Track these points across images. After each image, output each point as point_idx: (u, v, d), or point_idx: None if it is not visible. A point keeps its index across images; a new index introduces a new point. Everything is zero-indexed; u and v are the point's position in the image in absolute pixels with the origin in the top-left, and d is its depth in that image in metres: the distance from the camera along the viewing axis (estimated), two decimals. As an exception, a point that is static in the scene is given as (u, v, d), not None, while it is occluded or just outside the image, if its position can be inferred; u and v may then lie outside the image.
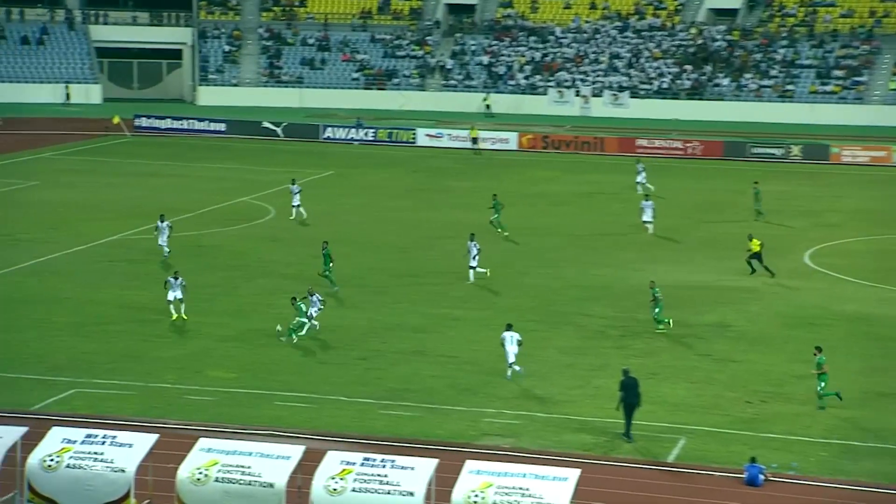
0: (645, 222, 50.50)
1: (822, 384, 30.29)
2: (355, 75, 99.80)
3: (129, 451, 22.02)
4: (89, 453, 21.91)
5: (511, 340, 32.22)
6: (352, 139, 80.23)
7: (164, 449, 23.27)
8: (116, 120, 78.68)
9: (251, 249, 46.46)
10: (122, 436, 22.51)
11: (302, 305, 35.02)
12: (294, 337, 34.66)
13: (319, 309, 35.52)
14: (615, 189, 62.02)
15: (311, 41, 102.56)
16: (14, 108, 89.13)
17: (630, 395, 28.28)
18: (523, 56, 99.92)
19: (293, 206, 51.87)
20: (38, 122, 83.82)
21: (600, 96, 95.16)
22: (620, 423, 28.27)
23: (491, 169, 70.26)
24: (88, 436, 22.37)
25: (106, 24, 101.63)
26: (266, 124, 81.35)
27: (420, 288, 41.70)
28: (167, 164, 68.23)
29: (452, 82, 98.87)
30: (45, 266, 42.82)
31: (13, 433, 22.76)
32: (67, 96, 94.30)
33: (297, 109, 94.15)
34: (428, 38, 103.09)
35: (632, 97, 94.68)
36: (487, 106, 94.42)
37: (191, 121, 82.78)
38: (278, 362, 33.03)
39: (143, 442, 22.37)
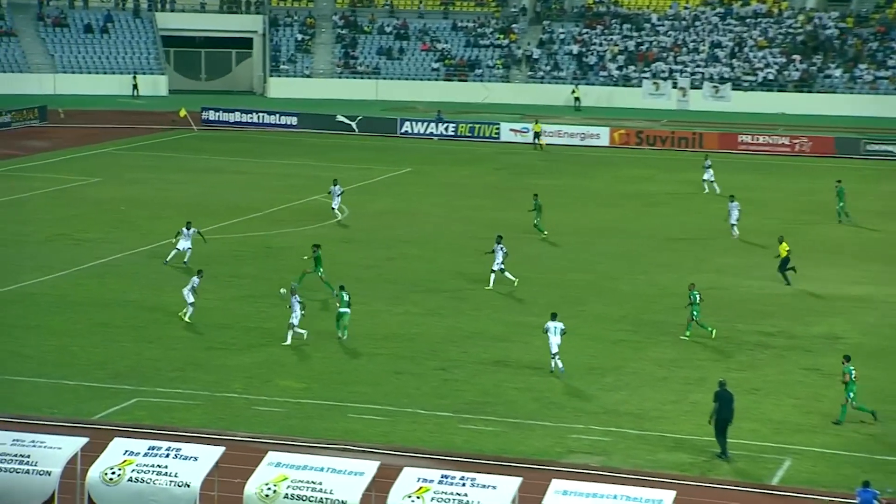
0: (732, 225, 50.05)
1: (850, 395, 29.84)
2: (435, 66, 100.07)
3: (193, 464, 22.25)
4: (152, 466, 22.17)
5: (555, 331, 32.94)
6: (431, 134, 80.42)
7: (231, 462, 23.49)
8: (183, 113, 79.71)
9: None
10: (187, 448, 22.75)
11: (344, 295, 35.70)
12: (344, 333, 35.49)
13: (302, 314, 35.25)
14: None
15: (388, 29, 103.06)
16: (76, 100, 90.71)
17: (724, 410, 27.96)
18: (616, 45, 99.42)
19: (333, 208, 51.66)
20: (101, 114, 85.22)
21: (699, 88, 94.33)
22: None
23: (579, 166, 70.01)
24: (151, 448, 22.65)
25: (173, 11, 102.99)
26: (340, 118, 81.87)
27: (502, 294, 41.65)
28: (235, 159, 68.96)
29: (539, 73, 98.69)
30: (106, 267, 43.49)
31: (73, 444, 23.12)
32: (135, 88, 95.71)
33: (372, 102, 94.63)
34: (513, 25, 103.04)
35: (734, 89, 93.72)
36: (576, 99, 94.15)
37: (260, 114, 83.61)
38: (351, 372, 33.20)
39: (209, 455, 22.58)
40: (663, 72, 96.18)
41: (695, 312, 36.65)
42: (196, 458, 22.39)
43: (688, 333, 36.68)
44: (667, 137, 78.05)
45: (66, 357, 33.47)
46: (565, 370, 33.01)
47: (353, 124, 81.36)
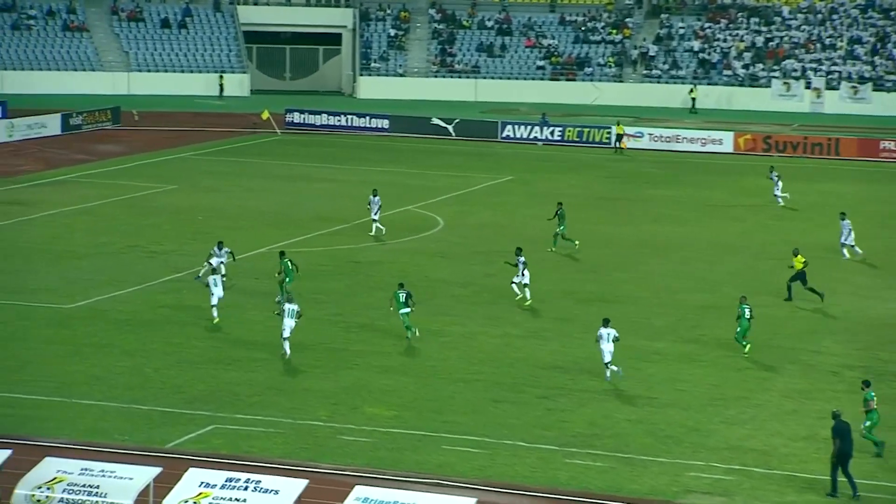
0: (843, 245, 49.42)
1: (868, 423, 29.80)
2: (541, 64, 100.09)
3: (274, 497, 22.44)
4: (230, 500, 22.40)
5: (608, 338, 34.32)
6: (535, 139, 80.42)
7: (315, 497, 23.66)
8: (265, 115, 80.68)
9: (416, 266, 46.96)
10: (267, 480, 22.95)
11: (400, 295, 37.54)
12: (412, 332, 37.41)
13: (296, 321, 35.66)
14: (853, 201, 60.55)
15: (489, 24, 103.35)
16: (151, 101, 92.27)
17: (846, 444, 27.66)
18: (742, 41, 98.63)
19: (372, 221, 51.64)
20: (178, 116, 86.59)
21: (836, 89, 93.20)
22: (858, 483, 27.57)
23: (699, 175, 69.53)
24: (229, 479, 22.89)
25: (256, 4, 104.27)
26: (435, 121, 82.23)
27: (613, 315, 41.41)
28: (321, 166, 69.58)
29: (655, 72, 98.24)
30: (183, 282, 44.12)
31: (145, 474, 23.45)
32: (221, 88, 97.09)
33: (471, 104, 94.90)
34: (627, 19, 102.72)
35: (875, 90, 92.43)
36: (693, 100, 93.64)
37: (349, 116, 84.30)
38: (446, 399, 33.29)
39: (291, 488, 22.76)
40: (795, 70, 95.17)
41: (739, 328, 37.36)
42: (277, 492, 22.58)
43: (747, 349, 37.18)
44: (798, 143, 77.20)
45: (138, 379, 33.99)
46: (621, 370, 34.33)
47: (450, 128, 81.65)
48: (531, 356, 36.99)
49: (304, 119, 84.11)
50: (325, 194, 60.84)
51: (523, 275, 42.21)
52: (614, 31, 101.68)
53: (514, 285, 42.40)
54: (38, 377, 33.75)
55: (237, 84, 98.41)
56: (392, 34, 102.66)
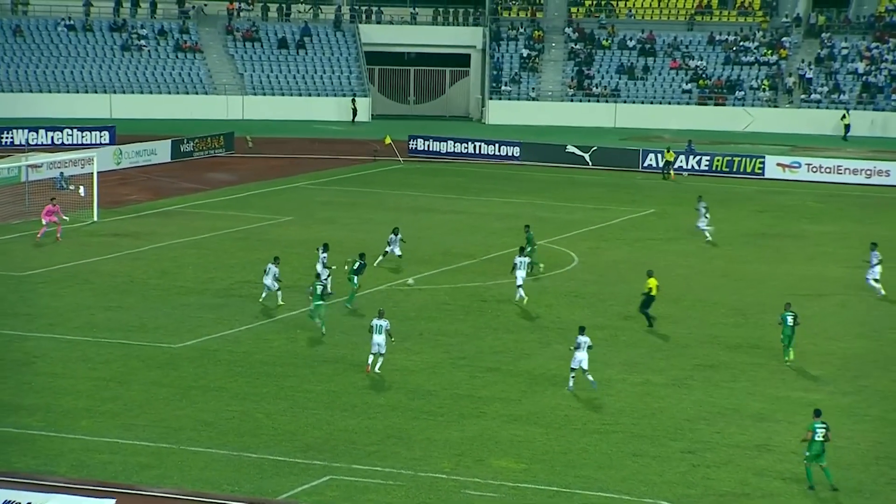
0: (868, 279, 49.34)
1: (807, 452, 31.16)
2: (687, 87, 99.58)
3: (392, 555, 22.49)
4: (344, 556, 22.50)
5: (583, 347, 36.99)
6: (680, 168, 79.92)
7: (436, 556, 23.65)
8: (388, 141, 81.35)
9: (548, 307, 46.89)
10: (385, 536, 22.99)
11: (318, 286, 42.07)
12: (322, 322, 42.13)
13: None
14: None
15: (631, 43, 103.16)
16: (267, 126, 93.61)
17: None
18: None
19: (386, 251, 51.87)
20: (294, 143, 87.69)
21: None
22: None
23: (863, 210, 68.58)
24: (344, 534, 22.98)
25: (379, 23, 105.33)
26: (571, 149, 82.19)
27: (765, 363, 40.98)
28: (446, 197, 69.89)
29: (815, 97, 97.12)
30: (297, 320, 44.56)
31: (255, 526, 23.66)
32: (354, 112, 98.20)
33: (610, 130, 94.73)
34: (784, 39, 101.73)
35: None
36: (846, 126, 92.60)
37: (477, 143, 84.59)
38: (580, 452, 33.14)
39: (410, 545, 22.78)
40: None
41: (783, 334, 40.40)
42: (395, 549, 22.62)
43: (788, 358, 40.34)
44: (974, 175, 75.80)
45: (249, 425, 34.36)
46: (597, 385, 37.09)
47: (587, 156, 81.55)
48: (674, 406, 36.68)
49: (428, 146, 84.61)
50: (450, 227, 61.07)
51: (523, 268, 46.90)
52: (769, 52, 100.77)
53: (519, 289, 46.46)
54: (144, 422, 34.28)
55: (358, 108, 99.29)
56: (525, 55, 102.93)
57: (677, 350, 41.93)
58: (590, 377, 37.34)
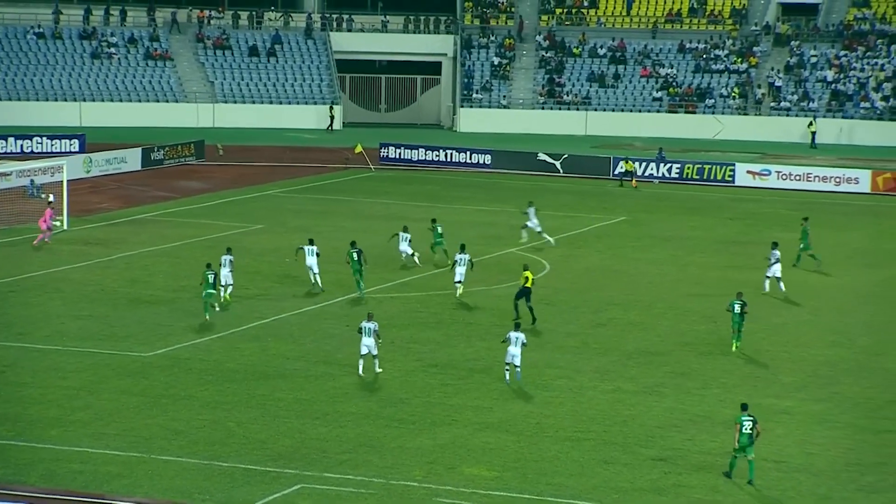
0: (768, 277, 50.46)
1: (736, 445, 31.94)
2: (657, 94, 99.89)
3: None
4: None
5: (515, 342, 38.39)
6: (651, 176, 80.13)
7: (408, 564, 23.62)
8: (359, 149, 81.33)
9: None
10: (357, 545, 22.97)
11: (209, 276, 44.52)
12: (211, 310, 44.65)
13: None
14: None
15: (601, 51, 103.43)
16: (237, 134, 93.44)
17: None
18: (882, 70, 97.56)
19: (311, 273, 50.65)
20: (265, 151, 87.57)
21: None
22: None
23: (833, 216, 68.82)
24: (315, 543, 22.95)
25: (350, 31, 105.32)
26: (542, 157, 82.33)
27: (736, 370, 41.08)
28: (418, 205, 69.88)
29: (784, 104, 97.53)
30: (268, 329, 44.50)
31: (226, 535, 23.58)
32: (331, 120, 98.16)
33: (581, 138, 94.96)
34: (755, 47, 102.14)
35: None
36: (813, 134, 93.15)
37: (449, 151, 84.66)
38: (552, 459, 33.16)
39: (382, 554, 22.76)
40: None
41: (732, 322, 42.20)
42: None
43: (735, 346, 42.27)
44: (944, 182, 76.22)
45: (220, 434, 34.29)
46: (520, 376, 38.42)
47: (558, 164, 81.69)
48: (645, 413, 36.73)
49: (399, 154, 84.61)
50: (422, 235, 61.03)
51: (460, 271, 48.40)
52: (739, 60, 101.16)
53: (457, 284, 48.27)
54: (114, 430, 34.16)
55: (328, 116, 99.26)
56: (496, 63, 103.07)
57: (648, 357, 42.00)
58: (518, 368, 38.66)
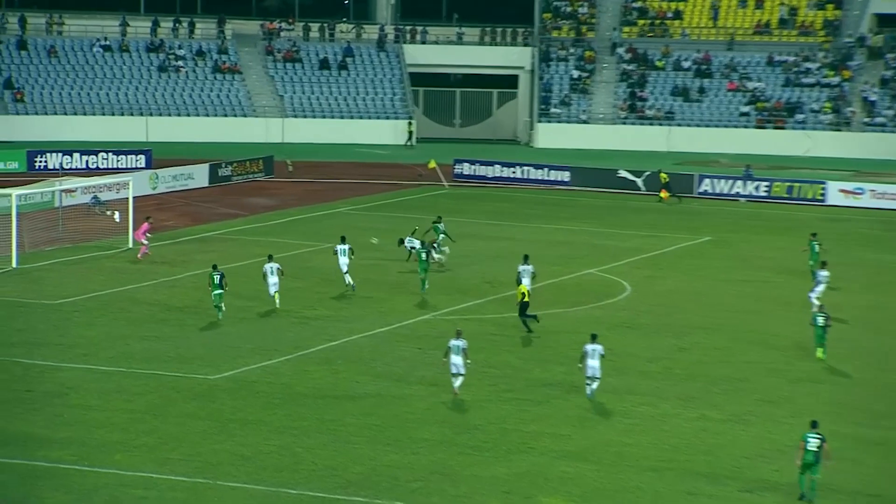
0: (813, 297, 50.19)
1: (800, 462, 32.19)
2: (745, 109, 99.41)
3: None
4: None
5: (593, 354, 38.96)
6: (737, 194, 79.71)
7: None
8: (432, 165, 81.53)
9: (600, 338, 46.72)
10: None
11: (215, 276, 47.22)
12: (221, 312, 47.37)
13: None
14: None
15: (686, 64, 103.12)
16: (307, 149, 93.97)
17: None
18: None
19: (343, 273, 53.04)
20: (335, 167, 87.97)
21: None
22: None
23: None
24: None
25: (424, 43, 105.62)
26: (622, 174, 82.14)
27: (825, 397, 40.70)
28: (492, 223, 69.91)
29: (879, 120, 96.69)
30: (337, 351, 44.64)
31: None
32: (410, 135, 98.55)
33: (664, 154, 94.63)
34: (848, 60, 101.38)
35: None
36: None
37: (525, 168, 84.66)
38: (634, 490, 33.01)
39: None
40: None
41: (815, 335, 43.88)
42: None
43: (819, 356, 43.83)
44: None
45: (288, 460, 34.41)
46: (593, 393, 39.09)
47: (639, 181, 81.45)
48: (731, 443, 36.48)
49: (474, 170, 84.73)
50: (497, 255, 61.05)
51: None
52: (831, 73, 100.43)
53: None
54: (180, 456, 34.38)
55: (400, 131, 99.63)
56: (575, 76, 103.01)
57: (734, 384, 41.72)
58: (594, 384, 39.37)
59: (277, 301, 49.63)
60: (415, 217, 71.24)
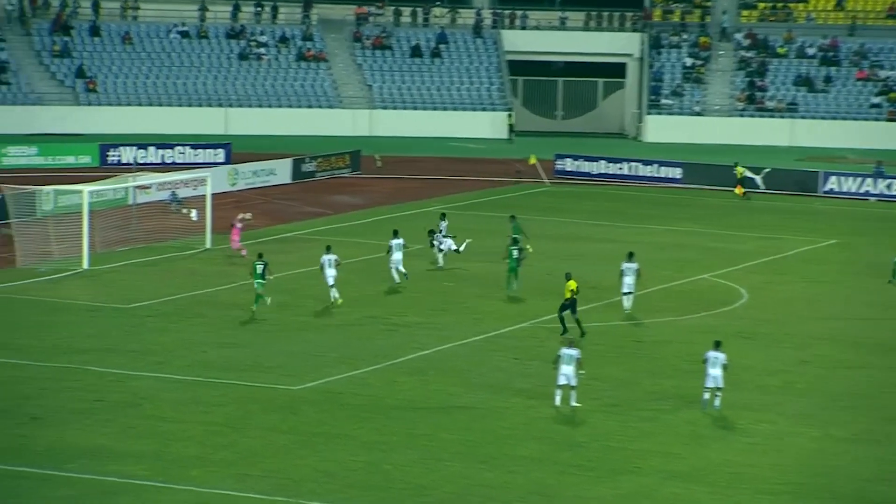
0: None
1: None
2: (875, 100, 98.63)
3: None
4: None
5: (714, 362, 39.06)
6: (867, 193, 79.09)
7: None
8: (532, 160, 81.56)
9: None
10: None
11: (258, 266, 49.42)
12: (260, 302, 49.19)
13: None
14: None
15: (810, 51, 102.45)
16: (397, 143, 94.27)
17: None
18: None
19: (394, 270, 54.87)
20: (427, 163, 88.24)
21: None
22: None
23: None
24: None
25: (524, 28, 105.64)
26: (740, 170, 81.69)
27: (963, 417, 40.40)
28: (597, 224, 69.83)
29: None
30: (429, 361, 44.81)
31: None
32: (510, 129, 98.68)
33: (785, 150, 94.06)
34: None
35: None
36: None
37: (633, 164, 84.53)
38: (748, 515, 32.96)
39: None
40: None
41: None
42: None
43: None
44: None
45: (376, 478, 34.60)
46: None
47: (758, 179, 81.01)
48: (855, 464, 36.25)
49: (577, 166, 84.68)
50: (602, 258, 60.95)
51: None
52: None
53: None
54: (260, 472, 34.67)
55: (498, 124, 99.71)
56: (688, 64, 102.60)
57: (859, 400, 41.45)
58: (718, 396, 39.61)
59: (334, 295, 50.97)
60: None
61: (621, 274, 50.31)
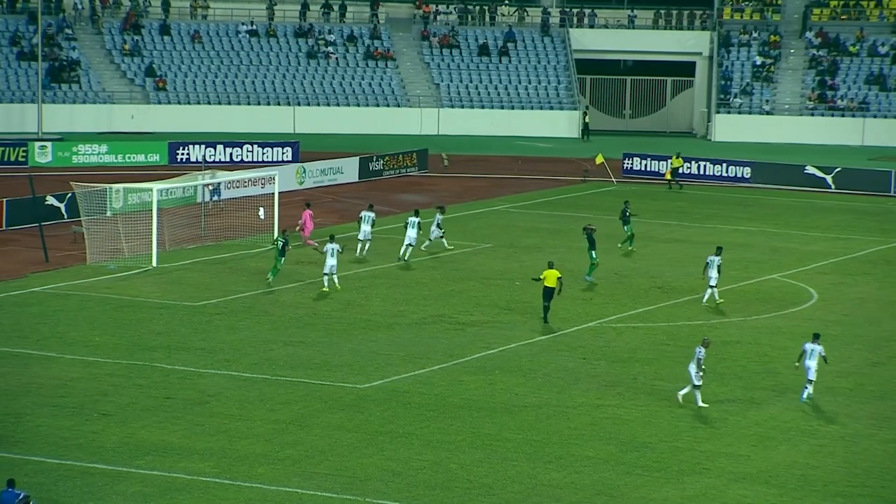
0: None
1: None
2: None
3: None
4: None
5: (811, 354, 39.51)
6: (937, 194, 78.44)
7: None
8: (600, 160, 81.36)
9: (781, 349, 46.29)
10: None
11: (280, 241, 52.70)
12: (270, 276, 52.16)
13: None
14: None
15: (882, 49, 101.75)
16: (464, 142, 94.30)
17: None
18: None
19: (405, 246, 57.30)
20: (494, 161, 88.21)
21: None
22: None
23: None
24: None
25: (592, 27, 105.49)
26: (810, 170, 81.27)
27: None
28: (664, 223, 69.57)
29: None
30: (495, 360, 44.78)
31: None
32: (585, 127, 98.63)
33: (857, 149, 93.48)
34: None
35: None
36: None
37: (702, 163, 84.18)
38: (817, 517, 32.69)
39: None
40: None
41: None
42: None
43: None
44: None
45: (441, 477, 34.60)
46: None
47: (829, 178, 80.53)
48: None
49: (645, 166, 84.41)
50: (669, 258, 60.79)
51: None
52: None
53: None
54: (326, 470, 34.76)
55: (566, 123, 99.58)
56: (758, 63, 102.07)
57: (933, 402, 41.10)
58: (808, 386, 40.35)
59: (326, 284, 52.61)
60: (581, 215, 71.26)
61: (706, 266, 51.37)
